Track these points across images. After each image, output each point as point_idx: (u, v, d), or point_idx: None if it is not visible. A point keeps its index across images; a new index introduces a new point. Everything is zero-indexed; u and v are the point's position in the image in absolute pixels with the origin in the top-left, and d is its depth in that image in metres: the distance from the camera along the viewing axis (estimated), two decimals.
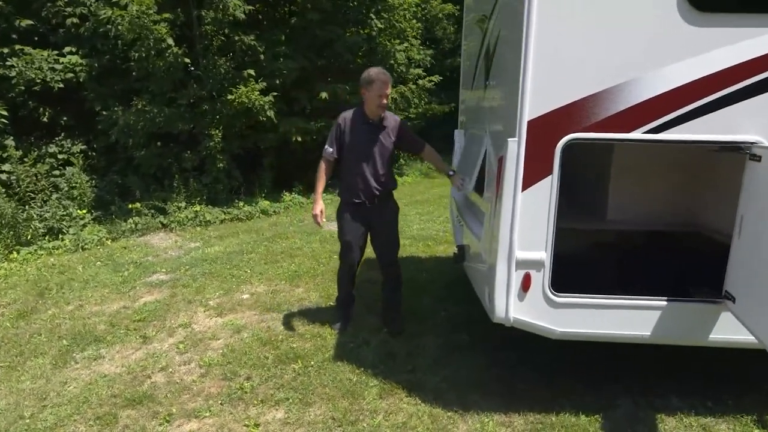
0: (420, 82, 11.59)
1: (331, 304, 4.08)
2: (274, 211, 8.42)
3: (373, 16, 9.81)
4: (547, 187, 2.21)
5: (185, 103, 7.80)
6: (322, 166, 3.34)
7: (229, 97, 7.53)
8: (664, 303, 2.25)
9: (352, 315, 3.72)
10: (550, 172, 2.19)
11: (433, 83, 11.76)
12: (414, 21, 11.42)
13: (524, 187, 2.20)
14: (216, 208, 7.95)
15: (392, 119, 3.29)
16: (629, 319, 2.29)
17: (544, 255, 2.26)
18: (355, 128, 3.20)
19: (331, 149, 3.27)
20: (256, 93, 7.54)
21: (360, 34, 9.79)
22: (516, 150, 2.18)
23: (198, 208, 7.64)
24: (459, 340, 3.41)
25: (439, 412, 2.62)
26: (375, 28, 9.84)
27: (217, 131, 7.96)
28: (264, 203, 8.45)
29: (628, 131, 2.12)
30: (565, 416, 2.55)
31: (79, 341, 3.58)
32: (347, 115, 3.22)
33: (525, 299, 2.31)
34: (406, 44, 10.84)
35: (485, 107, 2.97)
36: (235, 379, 3.01)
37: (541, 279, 2.29)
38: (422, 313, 3.90)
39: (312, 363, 3.14)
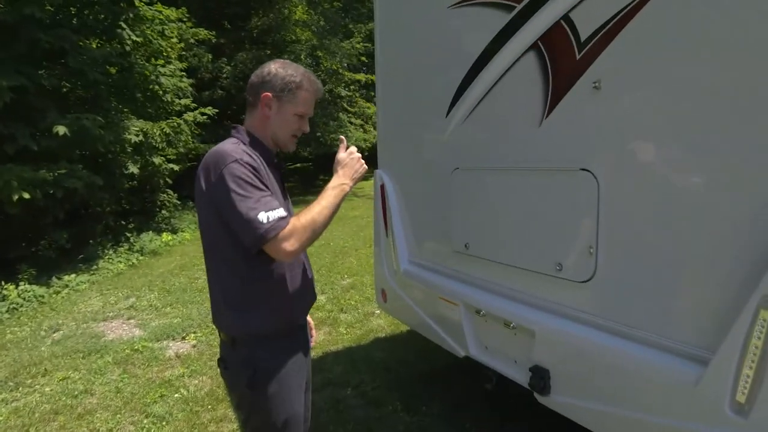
0: (188, 115, 9.39)
1: None
2: None
3: (125, 26, 7.26)
4: None
5: None
6: (290, 226, 1.37)
7: None
8: None
9: None
10: None
11: (206, 117, 9.71)
12: (174, 40, 9.15)
13: None
14: None
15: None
16: None
17: None
18: (271, 178, 1.50)
19: (283, 209, 1.40)
20: None
21: (108, 47, 7.11)
22: None
23: None
24: None
25: None
26: (128, 41, 7.29)
27: None
28: None
29: None
30: None
31: None
32: (246, 152, 1.43)
33: None
34: (172, 67, 8.51)
35: (570, 130, 1.72)
36: None
37: None
38: None
39: None
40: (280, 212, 1.37)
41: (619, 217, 1.59)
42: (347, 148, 1.63)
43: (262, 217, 1.33)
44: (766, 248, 1.22)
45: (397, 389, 3.04)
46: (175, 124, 8.22)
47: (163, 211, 9.99)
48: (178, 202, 10.28)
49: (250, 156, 1.43)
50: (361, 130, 18.48)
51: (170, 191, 10.01)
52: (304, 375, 1.60)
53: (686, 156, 1.39)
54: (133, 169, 7.51)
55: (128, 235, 8.20)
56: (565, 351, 1.77)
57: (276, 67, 1.52)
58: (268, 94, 1.50)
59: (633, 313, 1.56)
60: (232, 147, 1.43)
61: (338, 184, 1.53)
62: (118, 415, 3.02)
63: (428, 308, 2.54)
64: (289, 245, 1.36)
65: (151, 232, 8.83)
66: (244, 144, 1.49)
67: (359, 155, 1.60)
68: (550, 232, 1.83)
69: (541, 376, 1.83)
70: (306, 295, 1.63)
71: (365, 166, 1.60)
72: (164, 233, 9.10)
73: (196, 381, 3.42)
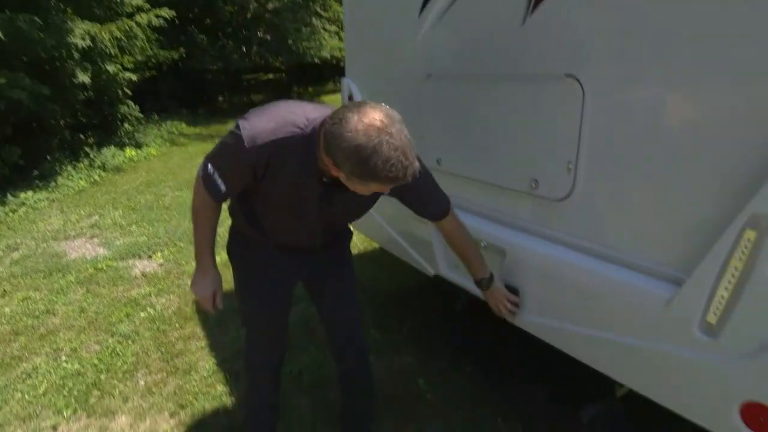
0: (141, 17, 8.50)
1: None
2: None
3: None
4: None
5: None
6: (208, 206, 1.46)
7: None
8: None
9: None
10: None
11: (163, 20, 8.83)
12: None
13: None
14: None
15: None
16: None
17: None
18: (295, 181, 1.34)
19: (223, 188, 1.39)
20: None
21: None
22: None
23: None
24: None
25: None
26: None
27: None
28: None
29: None
30: None
31: None
32: (277, 145, 1.26)
33: None
34: None
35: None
36: None
37: None
38: None
39: None
40: (220, 186, 1.38)
41: (603, 130, 1.44)
42: None
43: (210, 168, 1.38)
44: (755, 168, 1.11)
45: (369, 307, 3.04)
46: (126, 27, 7.44)
47: (126, 125, 9.41)
48: (141, 116, 9.68)
49: (278, 154, 1.28)
50: (336, 37, 17.28)
51: (131, 103, 9.36)
52: (274, 272, 1.68)
53: (684, 65, 1.22)
54: (83, 77, 6.89)
55: (87, 150, 7.75)
56: (536, 270, 1.70)
57: (352, 138, 1.09)
58: (334, 165, 1.19)
59: (610, 233, 1.47)
60: (275, 137, 1.26)
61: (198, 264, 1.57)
62: (82, 335, 2.96)
63: (398, 226, 2.44)
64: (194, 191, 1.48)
65: (113, 146, 8.37)
66: (299, 143, 1.28)
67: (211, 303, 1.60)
68: (528, 146, 1.68)
69: None
70: (278, 236, 1.60)
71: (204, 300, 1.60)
72: (128, 148, 8.65)
73: (164, 300, 3.36)
